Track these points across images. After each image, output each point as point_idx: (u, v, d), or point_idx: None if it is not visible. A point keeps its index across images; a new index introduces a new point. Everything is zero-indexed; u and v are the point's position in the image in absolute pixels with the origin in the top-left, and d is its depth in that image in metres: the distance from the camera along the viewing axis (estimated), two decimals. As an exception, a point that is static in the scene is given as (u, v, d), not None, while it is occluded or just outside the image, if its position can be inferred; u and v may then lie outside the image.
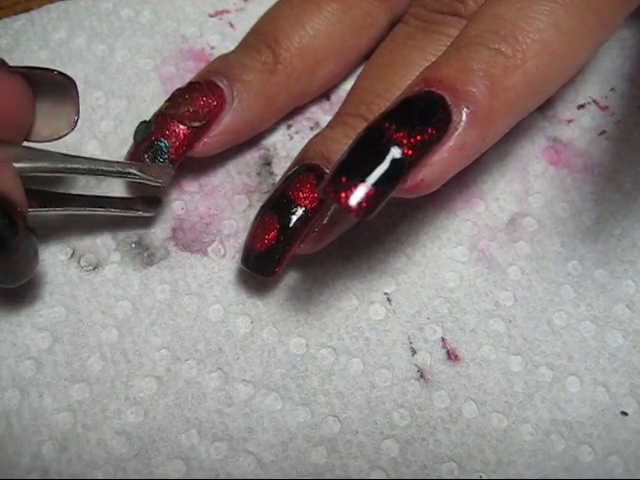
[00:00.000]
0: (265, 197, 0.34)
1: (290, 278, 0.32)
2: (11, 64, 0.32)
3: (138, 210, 0.32)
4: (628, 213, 0.34)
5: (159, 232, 0.33)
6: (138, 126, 0.32)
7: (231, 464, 0.29)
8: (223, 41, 0.36)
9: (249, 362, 0.31)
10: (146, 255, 0.33)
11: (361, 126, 0.28)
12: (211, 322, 0.31)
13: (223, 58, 0.33)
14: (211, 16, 0.37)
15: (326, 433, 0.30)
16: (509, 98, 0.26)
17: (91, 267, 0.32)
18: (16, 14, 0.36)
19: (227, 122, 0.32)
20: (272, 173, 0.34)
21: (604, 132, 0.35)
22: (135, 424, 0.30)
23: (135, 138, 0.32)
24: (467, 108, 0.25)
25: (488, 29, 0.27)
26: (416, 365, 0.31)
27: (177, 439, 0.30)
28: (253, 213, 0.33)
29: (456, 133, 0.25)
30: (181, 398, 0.30)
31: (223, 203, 0.34)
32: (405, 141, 0.24)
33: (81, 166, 0.29)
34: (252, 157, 0.35)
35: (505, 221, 0.34)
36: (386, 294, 0.32)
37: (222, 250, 0.33)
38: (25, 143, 0.29)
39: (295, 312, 0.32)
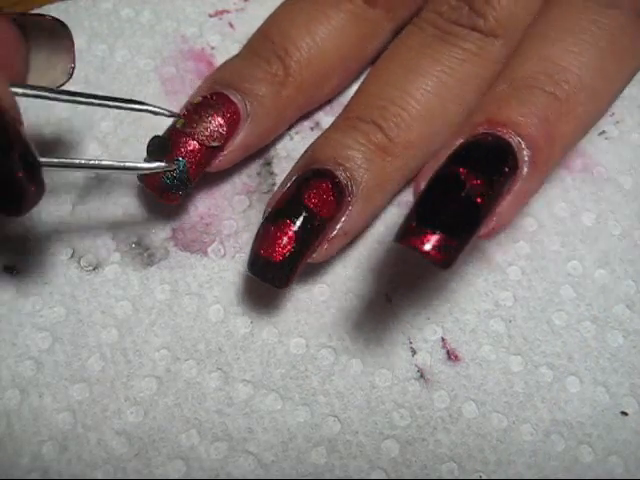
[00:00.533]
0: (265, 197, 0.34)
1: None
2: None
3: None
4: (628, 213, 0.34)
5: (159, 232, 0.33)
6: (151, 141, 0.31)
7: (231, 464, 0.29)
8: (223, 41, 0.36)
9: (249, 362, 0.31)
10: (146, 255, 0.33)
11: (374, 133, 0.30)
12: (211, 322, 0.31)
13: (232, 67, 0.33)
14: (211, 16, 0.37)
15: (326, 433, 0.30)
16: (563, 143, 0.29)
17: (91, 267, 0.32)
18: (16, 14, 0.36)
19: (241, 138, 0.31)
20: (272, 173, 0.34)
21: (604, 132, 0.35)
22: (135, 424, 0.30)
23: (150, 154, 0.31)
24: (529, 153, 0.27)
25: (542, 71, 0.28)
26: (416, 365, 0.31)
27: (177, 439, 0.30)
28: (253, 213, 0.33)
29: (521, 179, 0.27)
30: (181, 398, 0.30)
31: (223, 203, 0.34)
32: (482, 189, 0.25)
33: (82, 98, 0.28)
34: (252, 157, 0.35)
35: (505, 221, 0.34)
36: (386, 294, 0.32)
37: (222, 250, 0.33)
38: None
39: (295, 312, 0.32)
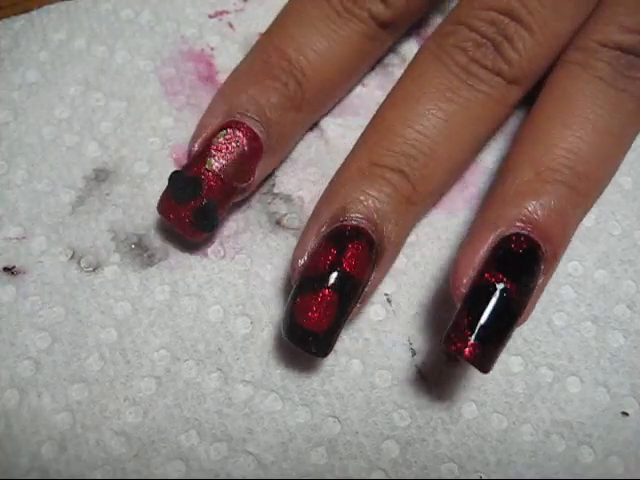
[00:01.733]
0: (265, 198, 0.34)
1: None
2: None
3: None
4: (628, 213, 0.34)
5: (159, 233, 0.33)
6: (174, 180, 0.30)
7: (231, 465, 0.29)
8: (223, 42, 0.36)
9: (249, 362, 0.31)
10: (146, 256, 0.32)
11: (402, 184, 0.29)
12: (211, 323, 0.31)
13: (248, 88, 0.31)
14: (211, 17, 0.37)
15: (326, 434, 0.30)
16: (574, 229, 0.30)
17: (91, 268, 0.32)
18: (15, 14, 0.36)
19: (261, 168, 0.31)
20: (272, 174, 0.34)
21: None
22: (134, 424, 0.30)
23: (176, 196, 0.30)
24: (551, 251, 0.28)
25: (567, 164, 0.29)
26: (416, 366, 0.31)
27: (177, 440, 0.30)
28: (253, 214, 0.33)
29: (546, 276, 0.28)
30: (180, 399, 0.30)
31: (223, 204, 0.34)
32: (517, 294, 0.27)
33: None
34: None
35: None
36: (386, 295, 0.32)
37: (222, 251, 0.33)
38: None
39: (295, 312, 0.32)
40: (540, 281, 0.28)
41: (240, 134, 0.30)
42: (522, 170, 0.29)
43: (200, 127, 0.31)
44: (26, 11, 0.36)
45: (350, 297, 0.28)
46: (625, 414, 0.31)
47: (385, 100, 0.32)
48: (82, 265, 0.32)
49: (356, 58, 0.33)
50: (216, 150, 0.30)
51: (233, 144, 0.30)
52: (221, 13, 0.37)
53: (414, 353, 0.31)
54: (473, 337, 0.26)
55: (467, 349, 0.26)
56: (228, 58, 0.36)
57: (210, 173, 0.30)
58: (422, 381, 0.31)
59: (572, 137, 0.29)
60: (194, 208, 0.30)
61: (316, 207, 0.30)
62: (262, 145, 0.31)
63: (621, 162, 0.31)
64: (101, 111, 0.35)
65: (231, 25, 0.37)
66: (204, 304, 0.32)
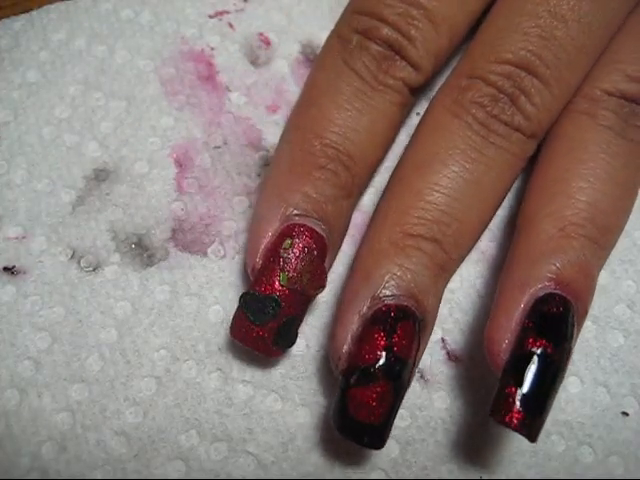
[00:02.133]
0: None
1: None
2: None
3: None
4: (628, 213, 0.34)
5: (159, 233, 0.33)
6: (248, 302, 0.28)
7: (231, 465, 0.29)
8: (223, 42, 0.36)
9: (249, 362, 0.31)
10: (146, 256, 0.32)
11: (437, 254, 0.28)
12: (211, 323, 0.31)
13: (300, 186, 0.29)
14: (211, 17, 0.37)
15: (326, 434, 0.30)
16: (596, 281, 0.29)
17: (91, 268, 0.32)
18: (15, 14, 0.36)
19: (327, 265, 0.29)
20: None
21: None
22: (134, 424, 0.30)
23: (254, 319, 0.28)
24: (581, 304, 0.28)
25: (589, 218, 0.28)
26: (416, 365, 0.31)
27: (177, 440, 0.30)
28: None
29: (578, 332, 0.28)
30: (180, 399, 0.30)
31: (223, 204, 0.34)
32: (556, 357, 0.26)
33: None
34: (252, 158, 0.35)
35: (505, 221, 0.34)
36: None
37: (222, 251, 0.33)
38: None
39: (295, 312, 0.32)
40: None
41: (308, 239, 0.28)
42: (545, 226, 0.28)
43: (256, 236, 0.29)
44: (26, 11, 0.36)
45: (403, 381, 0.27)
46: (625, 414, 0.31)
47: (404, 161, 0.30)
48: (82, 265, 0.32)
49: (393, 128, 0.31)
50: (286, 263, 0.28)
51: (302, 252, 0.28)
52: (221, 13, 0.37)
53: (414, 353, 0.31)
54: (521, 407, 0.26)
55: (515, 420, 0.26)
56: (228, 58, 0.36)
57: (286, 289, 0.28)
58: (422, 381, 0.31)
59: (590, 189, 0.29)
60: (275, 328, 0.28)
61: (350, 284, 0.29)
62: (326, 244, 0.29)
63: (632, 209, 0.31)
64: (101, 111, 0.35)
65: (231, 25, 0.37)
66: (204, 304, 0.32)
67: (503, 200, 0.31)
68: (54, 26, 0.36)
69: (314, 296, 0.29)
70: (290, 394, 0.31)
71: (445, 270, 0.29)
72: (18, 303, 0.31)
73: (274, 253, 0.28)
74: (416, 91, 0.31)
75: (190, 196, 0.34)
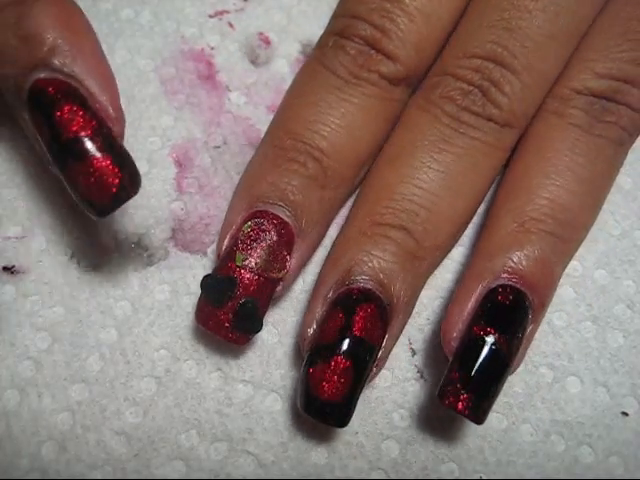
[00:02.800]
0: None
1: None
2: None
3: None
4: (628, 213, 0.34)
5: (159, 233, 0.33)
6: (206, 283, 0.29)
7: (231, 465, 0.29)
8: (223, 41, 0.36)
9: (249, 362, 0.31)
10: (146, 255, 0.32)
11: (406, 241, 0.29)
12: (211, 322, 0.31)
13: (267, 176, 0.30)
14: (211, 17, 0.37)
15: (326, 434, 0.30)
16: (559, 276, 0.30)
17: (90, 267, 0.32)
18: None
19: (298, 257, 0.30)
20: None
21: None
22: (134, 425, 0.30)
23: (211, 299, 0.28)
24: (538, 300, 0.28)
25: (550, 214, 0.29)
26: (416, 366, 0.31)
27: (177, 440, 0.30)
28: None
29: (535, 324, 0.29)
30: (180, 398, 0.30)
31: (223, 204, 0.34)
32: (507, 346, 0.27)
33: None
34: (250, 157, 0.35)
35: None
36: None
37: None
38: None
39: (295, 312, 0.32)
40: (529, 330, 0.28)
41: (266, 223, 0.29)
42: (505, 221, 0.29)
43: (224, 226, 0.30)
44: (26, 10, 0.36)
45: (365, 362, 0.27)
46: (625, 414, 0.31)
47: (379, 158, 0.31)
48: (82, 265, 0.32)
49: (375, 122, 0.31)
50: (242, 244, 0.29)
51: (260, 235, 0.29)
52: (221, 13, 0.37)
53: (414, 353, 0.31)
54: (465, 391, 0.27)
55: (460, 403, 0.27)
56: (228, 57, 0.36)
57: (241, 269, 0.28)
58: (422, 381, 0.31)
59: (552, 186, 0.29)
60: (233, 309, 0.28)
61: (321, 272, 0.30)
62: (292, 230, 0.29)
63: (602, 204, 0.32)
64: (101, 111, 0.35)
65: (231, 25, 0.37)
66: (204, 304, 0.32)
67: (483, 192, 0.31)
68: (54, 26, 0.36)
69: (277, 279, 0.29)
70: (290, 394, 0.31)
71: (419, 259, 0.29)
72: (18, 303, 0.31)
73: (237, 239, 0.29)
74: (401, 83, 0.31)
75: (190, 196, 0.34)
